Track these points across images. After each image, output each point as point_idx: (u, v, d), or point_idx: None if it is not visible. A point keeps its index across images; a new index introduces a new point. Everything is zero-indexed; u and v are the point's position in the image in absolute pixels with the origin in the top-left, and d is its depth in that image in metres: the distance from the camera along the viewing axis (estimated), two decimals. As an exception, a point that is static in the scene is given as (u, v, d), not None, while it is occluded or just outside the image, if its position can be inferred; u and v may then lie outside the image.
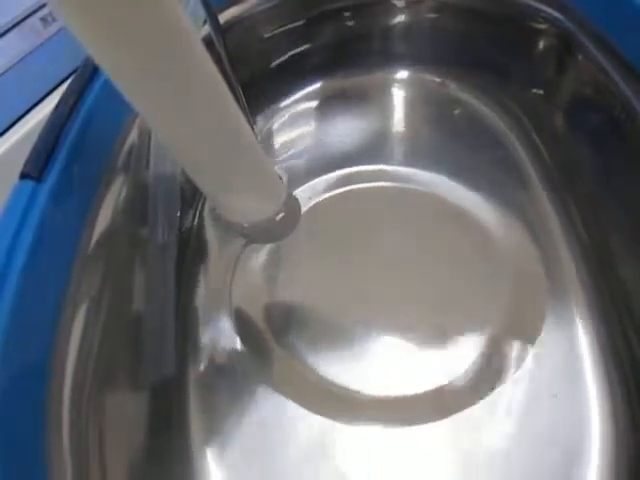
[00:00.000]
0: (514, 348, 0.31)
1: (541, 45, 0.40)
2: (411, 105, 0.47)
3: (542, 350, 0.30)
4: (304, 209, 0.38)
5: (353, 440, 0.29)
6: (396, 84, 0.48)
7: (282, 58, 0.45)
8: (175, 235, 0.31)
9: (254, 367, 0.32)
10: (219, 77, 0.20)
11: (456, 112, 0.45)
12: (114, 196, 0.29)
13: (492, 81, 0.45)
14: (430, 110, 0.46)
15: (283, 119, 0.47)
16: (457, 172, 0.39)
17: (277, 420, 0.30)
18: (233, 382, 0.32)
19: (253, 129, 0.44)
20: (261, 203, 0.27)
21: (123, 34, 0.16)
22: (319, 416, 0.29)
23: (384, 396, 0.30)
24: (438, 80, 0.47)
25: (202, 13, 0.31)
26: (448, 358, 0.31)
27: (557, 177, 0.38)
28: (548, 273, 0.34)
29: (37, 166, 0.24)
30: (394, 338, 0.32)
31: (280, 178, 0.28)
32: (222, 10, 0.40)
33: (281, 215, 0.28)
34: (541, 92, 0.41)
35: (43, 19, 0.38)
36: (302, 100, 0.48)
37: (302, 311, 0.34)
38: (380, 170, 0.41)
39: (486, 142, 0.42)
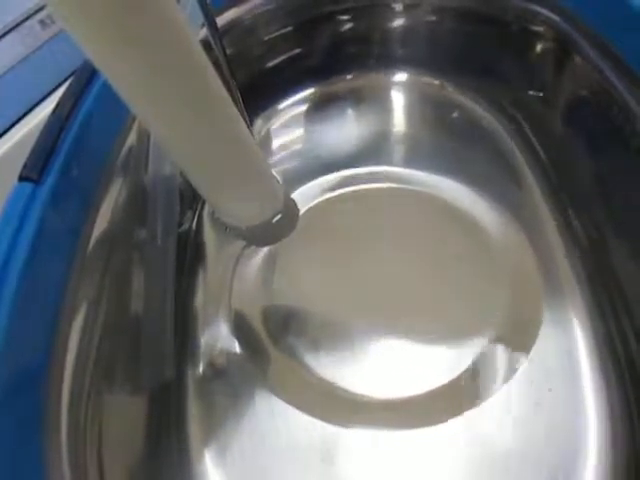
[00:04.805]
0: (512, 348, 0.31)
1: (539, 47, 0.40)
2: (409, 107, 0.47)
3: (540, 349, 0.30)
4: (302, 211, 0.38)
5: (351, 443, 0.29)
6: (394, 86, 0.48)
7: (280, 60, 0.45)
8: (174, 237, 0.31)
9: (252, 370, 0.32)
10: (217, 80, 0.20)
11: (454, 114, 0.45)
12: (113, 198, 0.29)
13: (490, 83, 0.45)
14: (428, 112, 0.46)
15: (281, 121, 0.47)
16: (455, 174, 0.39)
17: (276, 423, 0.30)
18: (231, 385, 0.32)
19: (251, 131, 0.44)
20: (259, 206, 0.27)
21: (122, 38, 0.16)
22: (318, 419, 0.29)
23: (383, 399, 0.30)
24: (436, 82, 0.47)
25: (200, 15, 0.31)
26: (447, 359, 0.31)
27: (554, 178, 0.39)
28: (545, 273, 0.34)
29: (36, 168, 0.24)
30: (393, 339, 0.32)
31: (278, 180, 0.28)
32: (220, 13, 0.40)
33: (279, 217, 0.28)
34: (539, 94, 0.41)
35: (42, 22, 0.38)
36: (300, 102, 0.48)
37: (300, 313, 0.34)
38: (378, 172, 0.41)
39: (484, 144, 0.42)
